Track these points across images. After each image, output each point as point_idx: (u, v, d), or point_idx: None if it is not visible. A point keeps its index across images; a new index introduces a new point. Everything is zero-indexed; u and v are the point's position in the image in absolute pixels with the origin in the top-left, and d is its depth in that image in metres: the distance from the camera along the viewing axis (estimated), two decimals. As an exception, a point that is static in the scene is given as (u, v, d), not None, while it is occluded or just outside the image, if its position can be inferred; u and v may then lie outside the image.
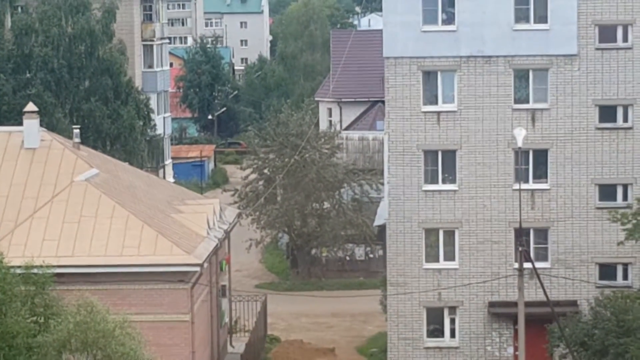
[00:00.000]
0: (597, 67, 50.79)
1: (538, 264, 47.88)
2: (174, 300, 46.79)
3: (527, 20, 50.96)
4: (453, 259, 51.51)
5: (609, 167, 51.01)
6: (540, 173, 51.15)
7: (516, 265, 47.21)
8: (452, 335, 51.84)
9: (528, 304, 46.07)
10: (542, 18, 50.86)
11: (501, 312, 50.77)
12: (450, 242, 51.59)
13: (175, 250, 47.31)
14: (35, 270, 34.58)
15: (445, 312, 51.77)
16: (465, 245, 51.36)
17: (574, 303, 50.28)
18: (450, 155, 51.41)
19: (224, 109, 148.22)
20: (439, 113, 51.28)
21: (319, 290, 70.99)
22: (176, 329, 46.55)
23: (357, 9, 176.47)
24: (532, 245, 50.01)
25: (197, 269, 47.36)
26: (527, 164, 50.85)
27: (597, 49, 50.74)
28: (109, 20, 76.56)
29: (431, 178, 51.54)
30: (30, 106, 54.44)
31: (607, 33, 50.79)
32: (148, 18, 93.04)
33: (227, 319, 58.65)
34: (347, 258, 77.28)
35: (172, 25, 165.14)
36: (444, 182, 51.53)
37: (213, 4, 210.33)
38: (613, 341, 45.83)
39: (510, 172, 50.81)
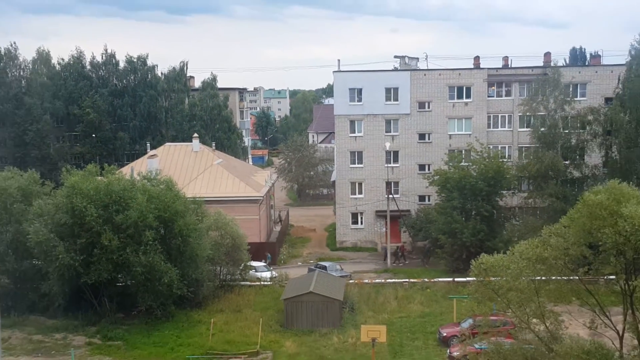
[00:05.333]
0: (418, 119, 50.58)
1: (395, 196, 48.16)
2: (252, 210, 46.86)
3: (391, 100, 50.63)
4: (362, 193, 51.41)
5: (422, 157, 50.79)
6: (396, 159, 50.98)
7: (386, 196, 47.60)
8: (362, 223, 51.76)
9: (391, 211, 46.44)
10: (395, 98, 50.56)
11: (380, 214, 50.61)
12: (360, 188, 51.42)
13: (253, 191, 47.39)
14: (197, 198, 34.61)
15: (359, 215, 51.61)
16: (366, 188, 51.14)
17: (409, 211, 50.34)
18: (360, 153, 51.21)
19: (271, 135, 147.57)
20: (356, 137, 51.05)
21: (310, 206, 70.93)
22: (253, 221, 46.64)
23: (324, 96, 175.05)
24: (392, 188, 49.97)
25: (261, 198, 47.46)
26: (390, 156, 50.78)
27: (418, 111, 50.54)
28: (225, 101, 75.87)
29: (352, 161, 51.32)
30: (195, 135, 54.68)
31: (422, 104, 50.52)
32: (241, 99, 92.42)
33: (273, 217, 58.84)
34: (320, 193, 77.33)
35: (251, 102, 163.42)
36: (357, 163, 51.33)
37: (268, 94, 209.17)
38: (425, 225, 46.22)
39: (383, 159, 50.64)
